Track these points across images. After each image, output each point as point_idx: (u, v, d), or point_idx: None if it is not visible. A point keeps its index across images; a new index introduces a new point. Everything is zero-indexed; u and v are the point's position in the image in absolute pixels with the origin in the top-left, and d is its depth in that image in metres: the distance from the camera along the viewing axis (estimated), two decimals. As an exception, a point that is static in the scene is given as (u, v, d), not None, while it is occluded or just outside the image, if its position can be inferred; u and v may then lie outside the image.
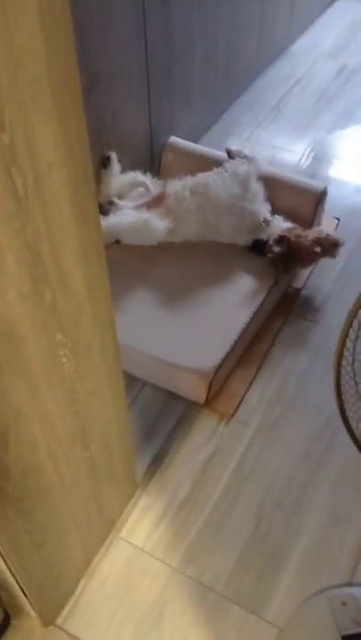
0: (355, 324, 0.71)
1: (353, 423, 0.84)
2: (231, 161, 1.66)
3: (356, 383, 0.75)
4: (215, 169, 1.64)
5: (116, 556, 1.21)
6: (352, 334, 0.71)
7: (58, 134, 0.60)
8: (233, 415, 1.43)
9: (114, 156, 1.66)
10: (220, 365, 1.39)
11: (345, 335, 0.71)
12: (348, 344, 0.72)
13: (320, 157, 2.15)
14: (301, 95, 2.42)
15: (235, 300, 1.53)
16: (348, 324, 0.70)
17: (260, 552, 1.21)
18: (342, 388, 0.79)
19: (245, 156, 1.66)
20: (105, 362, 0.91)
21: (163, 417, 1.43)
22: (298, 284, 1.71)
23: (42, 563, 0.98)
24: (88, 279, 0.77)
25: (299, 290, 1.70)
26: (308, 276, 1.73)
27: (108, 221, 1.61)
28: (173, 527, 1.25)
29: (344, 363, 0.74)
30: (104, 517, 1.18)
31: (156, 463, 1.35)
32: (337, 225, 1.86)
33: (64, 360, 0.80)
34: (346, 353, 0.73)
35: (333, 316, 1.63)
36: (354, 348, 0.73)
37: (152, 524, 1.25)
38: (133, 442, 1.36)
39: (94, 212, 0.72)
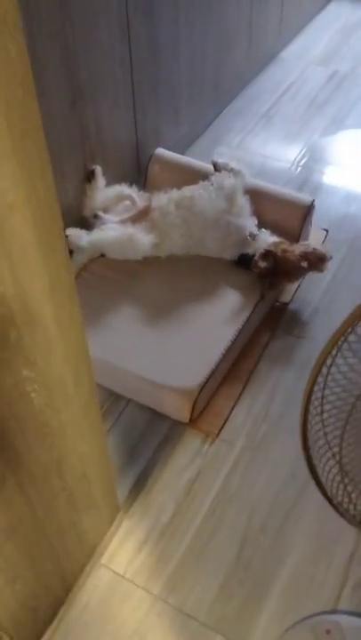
0: (324, 370, 0.68)
1: (322, 476, 0.81)
2: (217, 174, 1.64)
3: (325, 433, 0.73)
4: (201, 182, 1.62)
5: (96, 583, 1.18)
6: (321, 381, 0.69)
7: (17, 174, 0.58)
8: (218, 434, 1.41)
9: (98, 169, 1.63)
10: (205, 384, 1.37)
11: (313, 382, 0.68)
12: (318, 392, 0.70)
13: (311, 165, 2.13)
14: (292, 102, 2.40)
15: (220, 316, 1.50)
16: (317, 370, 0.68)
17: (243, 579, 1.19)
18: (309, 440, 0.77)
19: (232, 169, 1.64)
20: (80, 394, 0.88)
21: (146, 436, 1.41)
22: (285, 297, 1.69)
23: (16, 597, 0.96)
24: (58, 316, 0.75)
25: (286, 304, 1.68)
26: (296, 290, 1.71)
27: (93, 236, 1.58)
28: (156, 552, 1.22)
29: (313, 411, 0.72)
30: (84, 544, 1.16)
31: (140, 484, 1.33)
32: (325, 237, 1.84)
33: (33, 395, 0.78)
34: (315, 402, 0.71)
35: (321, 331, 1.61)
36: (323, 398, 0.70)
37: (134, 549, 1.23)
38: (115, 464, 1.35)
39: (62, 248, 0.70)
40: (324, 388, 0.68)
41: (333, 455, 0.76)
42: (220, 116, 2.33)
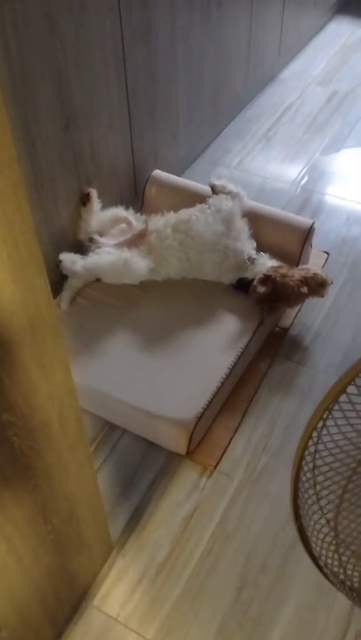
0: (314, 434, 0.64)
1: (316, 546, 0.75)
2: (215, 197, 1.61)
3: (318, 499, 0.68)
4: (198, 205, 1.59)
5: (88, 626, 1.13)
6: (311, 447, 0.64)
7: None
8: (216, 467, 1.35)
9: (94, 192, 1.60)
10: (202, 415, 1.32)
11: (303, 448, 0.63)
12: (308, 457, 0.65)
13: (311, 186, 2.10)
14: (291, 123, 2.38)
15: (218, 343, 1.46)
16: (308, 435, 0.63)
17: (241, 623, 1.13)
18: (301, 508, 0.71)
19: (230, 192, 1.61)
20: (65, 434, 0.84)
21: (142, 468, 1.36)
22: (285, 322, 1.65)
23: (0, 648, 0.91)
24: (40, 355, 0.71)
25: (286, 329, 1.64)
26: (297, 315, 1.67)
27: (88, 261, 1.55)
28: (150, 594, 1.17)
29: (303, 477, 0.67)
30: (74, 586, 1.11)
31: (134, 520, 1.27)
32: (326, 260, 1.81)
33: (14, 438, 0.74)
34: (305, 467, 0.66)
35: (322, 358, 1.57)
36: (314, 465, 0.65)
37: (128, 590, 1.17)
38: (109, 497, 1.29)
39: (43, 285, 0.66)
40: (315, 452, 0.63)
41: (328, 522, 0.71)
42: (219, 137, 2.31)
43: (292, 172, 2.16)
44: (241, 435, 1.41)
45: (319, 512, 0.68)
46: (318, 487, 0.66)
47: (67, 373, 0.79)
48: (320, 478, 0.65)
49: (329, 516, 0.68)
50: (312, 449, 0.63)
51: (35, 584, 0.95)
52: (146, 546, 1.23)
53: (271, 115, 2.42)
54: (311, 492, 0.67)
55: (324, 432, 0.62)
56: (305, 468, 0.64)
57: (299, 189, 2.09)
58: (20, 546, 0.85)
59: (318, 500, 0.67)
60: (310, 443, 0.63)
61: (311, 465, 0.64)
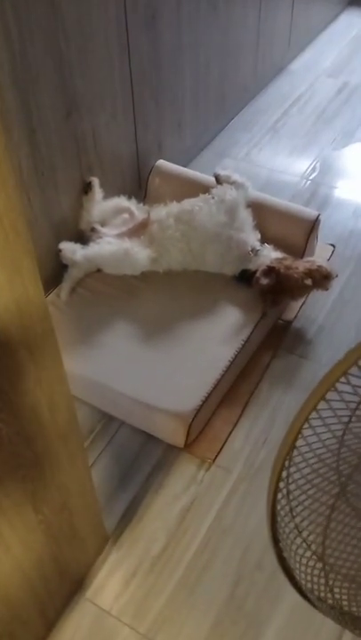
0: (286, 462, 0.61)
1: (300, 572, 0.72)
2: (219, 187, 1.58)
3: (293, 516, 0.65)
4: (201, 195, 1.56)
5: (80, 619, 1.11)
6: (286, 462, 0.61)
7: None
8: (214, 460, 1.33)
9: (96, 181, 1.58)
10: (200, 407, 1.30)
11: (280, 468, 0.60)
12: (283, 474, 0.62)
13: (319, 179, 2.06)
14: (300, 115, 2.34)
15: (219, 335, 1.44)
16: (286, 452, 0.60)
17: (236, 619, 1.10)
18: (279, 531, 0.68)
19: (234, 182, 1.58)
20: (56, 422, 0.82)
21: (139, 461, 1.34)
22: (289, 315, 1.62)
23: (-13, 639, 0.89)
24: (27, 338, 0.69)
25: (290, 322, 1.61)
26: (301, 307, 1.64)
27: (88, 250, 1.53)
28: (144, 587, 1.15)
29: (280, 497, 0.64)
30: (66, 578, 1.09)
31: (130, 512, 1.25)
32: (332, 253, 1.77)
33: (0, 425, 0.72)
34: (281, 485, 0.63)
35: (325, 352, 1.54)
36: (288, 478, 0.62)
37: (122, 582, 1.16)
38: (106, 489, 1.28)
39: (30, 266, 0.64)
40: (289, 466, 0.60)
41: (312, 551, 0.68)
42: (226, 128, 2.28)
43: (299, 164, 2.13)
44: (241, 428, 1.39)
45: (301, 541, 0.66)
46: (298, 518, 0.63)
47: (56, 358, 0.77)
48: (299, 509, 0.62)
49: (313, 541, 0.65)
50: (285, 474, 0.60)
51: (24, 574, 0.93)
52: (141, 538, 1.21)
53: (280, 106, 2.38)
54: (289, 520, 0.64)
55: (296, 453, 0.59)
56: (280, 495, 0.61)
57: (306, 182, 2.06)
58: (8, 535, 0.84)
59: (300, 532, 0.64)
60: (284, 471, 0.60)
61: (285, 491, 0.62)
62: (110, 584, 1.16)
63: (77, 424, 0.90)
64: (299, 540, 0.68)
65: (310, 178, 2.07)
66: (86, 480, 1.00)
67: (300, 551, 0.70)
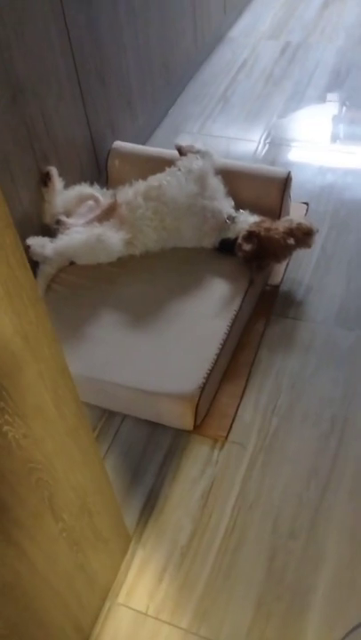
0: None
1: None
2: (184, 158, 1.52)
3: None
4: (167, 169, 1.49)
5: (116, 626, 1.04)
6: None
7: None
8: (227, 437, 1.28)
9: (54, 170, 1.50)
10: (205, 385, 1.24)
11: None
12: None
13: (278, 142, 2.02)
14: (248, 80, 2.29)
15: (210, 309, 1.38)
16: None
17: (279, 593, 1.06)
18: None
19: (198, 151, 1.52)
20: (64, 418, 0.75)
21: (149, 452, 1.28)
22: (275, 280, 1.57)
23: (25, 665, 0.82)
24: (22, 327, 0.61)
25: (277, 286, 1.56)
26: (285, 270, 1.59)
27: (58, 243, 1.45)
28: (178, 580, 1.09)
29: None
30: (95, 586, 1.02)
31: (150, 506, 1.19)
32: (307, 210, 1.73)
33: (6, 428, 0.64)
34: None
35: (319, 310, 1.50)
36: None
37: (153, 580, 1.09)
38: (119, 488, 1.21)
39: (14, 243, 0.57)
40: None
41: None
42: (176, 103, 2.21)
43: (256, 129, 2.08)
44: (248, 400, 1.33)
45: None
46: None
47: (55, 347, 0.70)
48: None
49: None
50: None
51: (53, 591, 0.86)
52: (166, 531, 1.15)
53: (226, 74, 2.33)
54: None
55: None
56: None
57: (266, 146, 2.01)
58: (30, 550, 0.76)
59: None
60: None
61: None
62: (141, 584, 1.09)
63: (86, 416, 0.82)
64: None
65: (269, 141, 2.02)
66: (101, 475, 0.93)
67: None
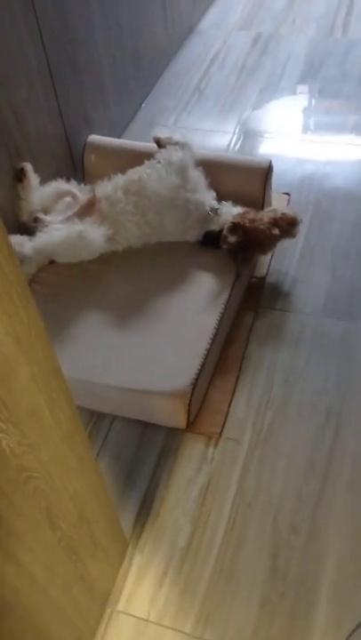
0: None
1: None
2: (162, 150, 1.48)
3: None
4: (147, 162, 1.45)
5: (117, 634, 1.01)
6: None
7: None
8: (221, 434, 1.25)
9: (29, 166, 1.44)
10: (196, 381, 1.21)
11: None
12: None
13: (253, 134, 2.00)
14: (221, 72, 2.27)
15: (198, 304, 1.34)
16: None
17: (283, 591, 1.03)
18: None
19: (177, 143, 1.48)
20: (59, 423, 0.71)
21: (142, 453, 1.24)
22: (260, 272, 1.55)
23: None
24: (13, 328, 0.57)
25: (263, 278, 1.54)
26: (270, 262, 1.57)
27: (37, 241, 1.39)
28: (179, 584, 1.06)
29: None
30: (95, 593, 0.98)
31: (146, 509, 1.15)
32: (288, 200, 1.72)
33: (0, 435, 0.60)
34: None
35: (306, 301, 1.48)
36: None
37: (153, 585, 1.06)
38: (114, 493, 1.17)
39: (1, 236, 0.52)
40: None
41: None
42: (150, 95, 2.17)
43: (231, 121, 2.05)
44: (240, 395, 1.31)
45: None
46: None
47: (48, 348, 0.65)
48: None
49: None
50: None
51: (53, 603, 0.82)
52: (164, 533, 1.12)
53: (199, 66, 2.29)
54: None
55: None
56: None
57: (242, 137, 1.99)
58: (30, 563, 0.72)
59: None
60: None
61: None
62: (141, 589, 1.06)
63: (80, 420, 0.78)
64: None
65: (245, 133, 2.00)
66: (98, 481, 0.89)
67: None
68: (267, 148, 1.94)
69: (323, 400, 1.28)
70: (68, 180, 1.53)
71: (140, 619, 1.02)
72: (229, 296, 1.36)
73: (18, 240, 1.38)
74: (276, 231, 1.39)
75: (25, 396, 0.63)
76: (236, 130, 2.01)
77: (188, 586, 1.05)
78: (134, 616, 1.03)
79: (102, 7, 1.70)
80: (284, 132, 2.00)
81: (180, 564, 1.08)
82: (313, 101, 2.10)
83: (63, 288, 1.41)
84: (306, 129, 2.01)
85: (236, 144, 1.96)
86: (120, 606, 1.04)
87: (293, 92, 2.15)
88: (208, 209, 1.43)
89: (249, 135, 1.99)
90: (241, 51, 2.36)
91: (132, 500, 1.17)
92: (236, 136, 1.99)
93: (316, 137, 1.96)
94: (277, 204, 1.62)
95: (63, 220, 1.43)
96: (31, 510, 0.70)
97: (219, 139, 1.99)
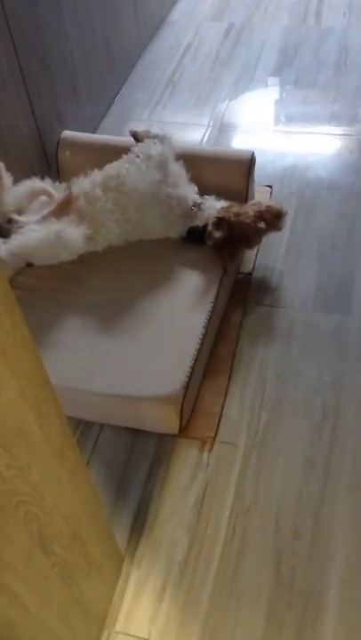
0: None
1: None
2: (140, 144, 1.42)
3: None
4: (124, 156, 1.39)
5: (119, 658, 0.95)
6: None
7: None
8: (215, 438, 1.20)
9: (1, 165, 1.36)
10: (188, 384, 1.15)
11: None
12: None
13: (231, 125, 1.95)
14: (194, 63, 2.21)
15: (185, 304, 1.29)
16: None
17: (290, 601, 0.99)
18: None
19: (155, 136, 1.42)
20: (49, 438, 0.64)
21: (133, 461, 1.18)
22: (247, 267, 1.50)
23: None
24: (-6, 336, 0.51)
25: (249, 274, 1.49)
26: (256, 257, 1.52)
27: (12, 243, 1.32)
28: (179, 599, 1.00)
29: None
30: (91, 616, 0.92)
31: (140, 522, 1.10)
32: (271, 193, 1.67)
33: (-14, 461, 0.54)
34: None
35: (295, 295, 1.44)
36: None
37: (152, 602, 1.00)
38: (105, 505, 1.11)
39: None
40: None
41: None
42: (123, 89, 2.11)
43: (207, 113, 2.00)
44: (233, 396, 1.26)
45: None
46: None
47: (35, 359, 0.59)
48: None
49: None
50: None
51: (49, 632, 0.76)
52: (160, 546, 1.06)
53: (171, 58, 2.23)
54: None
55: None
56: None
57: (219, 129, 1.94)
58: (23, 593, 0.66)
59: None
60: None
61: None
62: (140, 607, 1.00)
63: (70, 434, 0.72)
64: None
65: (221, 126, 1.95)
66: (92, 497, 0.83)
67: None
68: (246, 140, 1.89)
69: (318, 397, 1.24)
70: (42, 178, 1.46)
71: (141, 639, 0.97)
72: (217, 293, 1.31)
73: (-8, 242, 1.30)
74: (261, 224, 1.34)
75: (12, 414, 0.56)
76: (213, 122, 1.96)
77: (190, 601, 1.00)
78: (134, 636, 0.97)
79: (72, 6, 1.63)
80: (263, 122, 1.95)
81: (180, 578, 1.02)
82: (289, 91, 2.06)
83: (43, 292, 1.34)
84: (284, 119, 1.97)
85: (213, 136, 1.91)
86: (118, 627, 0.98)
87: (270, 82, 2.11)
88: (191, 204, 1.38)
89: (226, 127, 1.94)
90: (213, 41, 2.31)
91: (126, 513, 1.11)
92: (213, 128, 1.94)
93: (294, 127, 1.93)
94: (260, 197, 1.58)
95: (39, 220, 1.36)
96: (22, 536, 0.64)
97: (196, 131, 1.93)
